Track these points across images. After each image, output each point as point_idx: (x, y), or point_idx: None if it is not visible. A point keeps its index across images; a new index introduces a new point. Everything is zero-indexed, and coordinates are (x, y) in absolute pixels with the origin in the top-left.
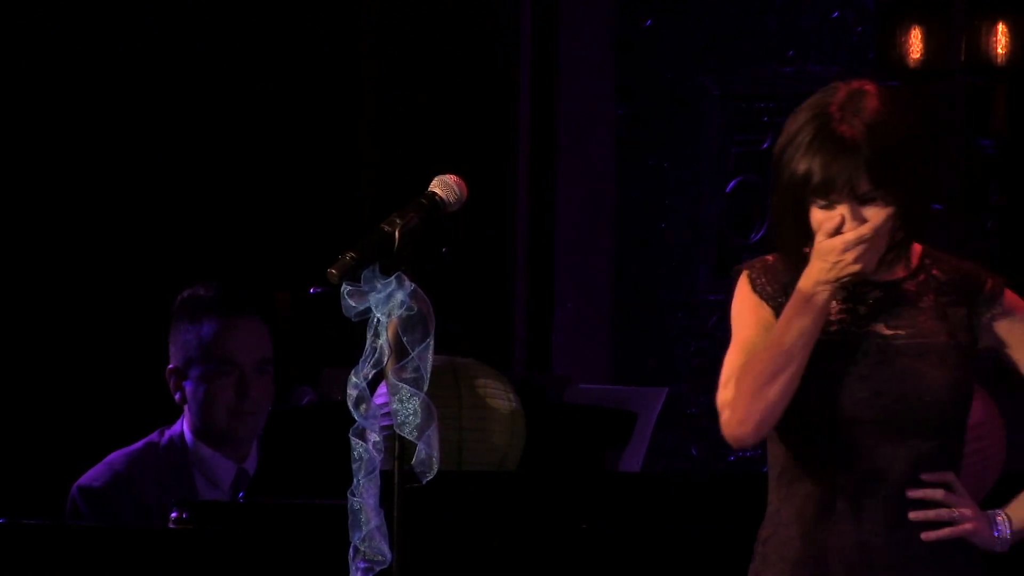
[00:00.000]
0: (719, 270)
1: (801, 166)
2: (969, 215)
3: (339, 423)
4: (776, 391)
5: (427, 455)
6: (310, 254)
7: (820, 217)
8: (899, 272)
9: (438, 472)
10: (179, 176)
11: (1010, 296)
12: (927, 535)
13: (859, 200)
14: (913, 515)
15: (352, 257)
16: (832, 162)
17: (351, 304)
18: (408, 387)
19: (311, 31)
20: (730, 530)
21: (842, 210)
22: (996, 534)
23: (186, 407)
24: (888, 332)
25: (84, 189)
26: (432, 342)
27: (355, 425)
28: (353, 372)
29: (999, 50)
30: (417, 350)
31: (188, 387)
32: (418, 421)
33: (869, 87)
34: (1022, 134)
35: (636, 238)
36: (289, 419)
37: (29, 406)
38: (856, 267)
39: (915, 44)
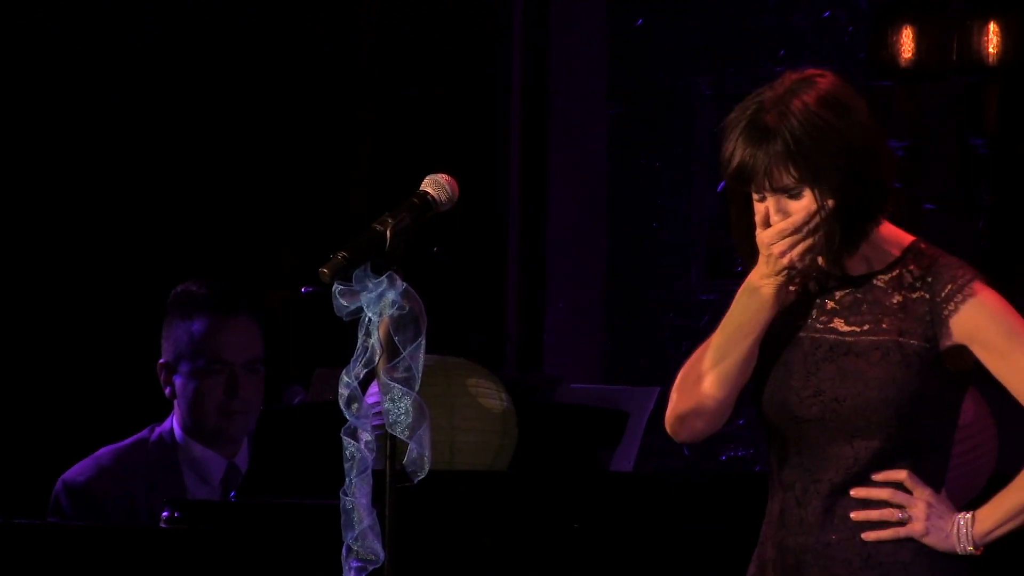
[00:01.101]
0: (711, 270)
1: (726, 151)
2: (961, 215)
3: (331, 423)
4: (707, 385)
5: (419, 454)
6: (303, 254)
7: (757, 208)
8: (874, 267)
9: (430, 472)
10: (174, 175)
11: (980, 290)
12: (867, 535)
13: (783, 192)
14: (855, 515)
15: (344, 256)
16: (749, 151)
17: (343, 303)
18: (400, 386)
19: (308, 33)
20: (722, 530)
21: (769, 202)
22: (957, 536)
23: (176, 402)
24: (845, 329)
25: (78, 188)
26: (424, 342)
27: (347, 424)
28: (345, 371)
29: (991, 50)
30: (408, 349)
31: (178, 382)
32: (410, 420)
33: (820, 79)
34: (1014, 134)
35: (628, 238)
36: (281, 419)
37: (24, 404)
38: (784, 261)
39: (907, 44)
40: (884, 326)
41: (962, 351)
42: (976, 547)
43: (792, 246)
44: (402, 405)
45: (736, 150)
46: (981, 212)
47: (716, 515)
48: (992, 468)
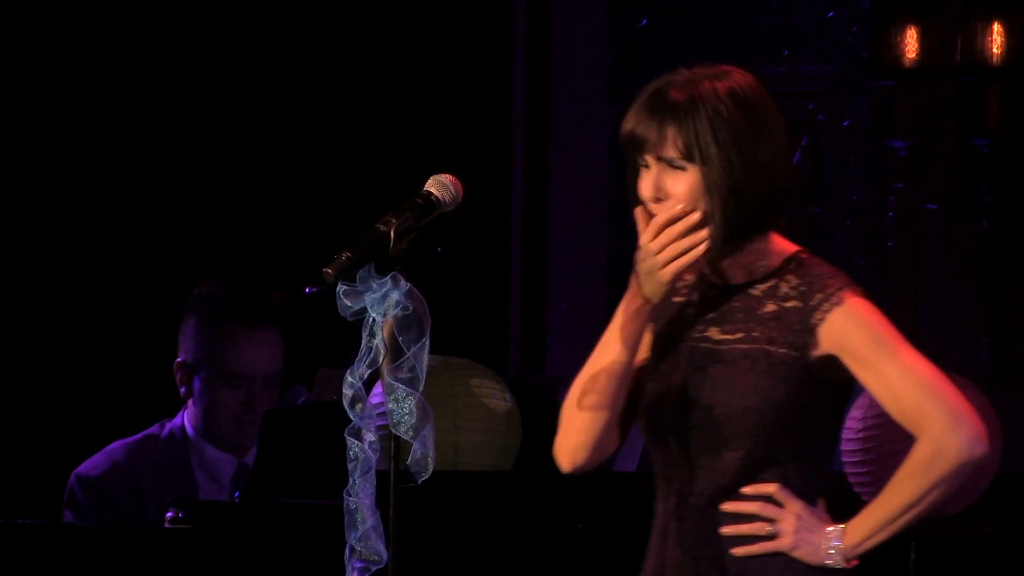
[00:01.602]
0: None
1: (625, 118)
2: (963, 215)
3: (335, 423)
4: (584, 413)
5: (423, 455)
6: (304, 253)
7: (642, 181)
8: (753, 276)
9: (434, 472)
10: (174, 175)
11: (848, 299)
12: (737, 550)
13: (668, 164)
14: (725, 530)
15: (348, 257)
16: (644, 116)
17: (347, 304)
18: (404, 387)
19: (309, 33)
20: None
21: (652, 171)
22: (827, 549)
23: (191, 401)
24: (719, 337)
25: (79, 188)
26: (428, 342)
27: (351, 425)
28: (349, 372)
29: (994, 50)
30: (413, 350)
31: (196, 385)
32: (414, 421)
33: (739, 75)
34: (1016, 134)
35: (630, 237)
36: (285, 419)
37: (30, 402)
38: (666, 273)
39: (910, 44)
40: (755, 335)
41: (835, 361)
42: (847, 560)
43: (674, 255)
44: (406, 405)
45: (632, 116)
46: (983, 212)
47: None
48: (994, 470)
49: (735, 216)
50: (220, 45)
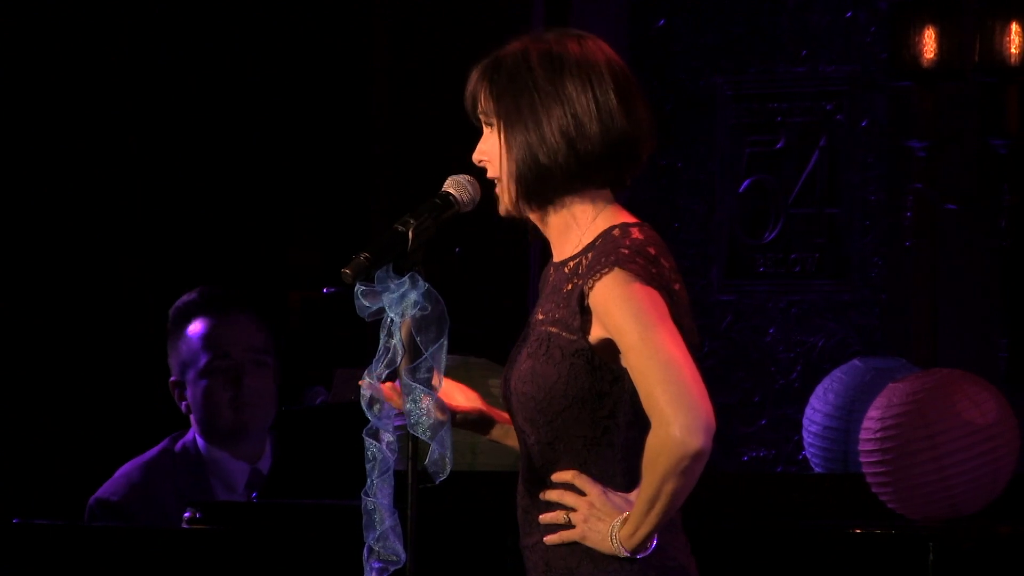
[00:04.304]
0: (732, 271)
1: None
2: (982, 215)
3: (352, 423)
4: None
5: (441, 455)
6: (323, 254)
7: None
8: (572, 252)
9: (452, 472)
10: (194, 181)
11: (616, 275)
12: (546, 539)
13: (484, 117)
14: (543, 518)
15: (366, 257)
16: (472, 75)
17: (365, 304)
18: (421, 387)
19: (323, 34)
20: (736, 530)
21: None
22: (611, 538)
23: (192, 415)
24: (538, 318)
25: (101, 196)
26: (446, 342)
27: (368, 425)
28: (366, 372)
29: (1013, 50)
30: (431, 350)
31: (189, 392)
32: (431, 421)
33: (571, 42)
34: None
35: None
36: (302, 419)
37: (44, 413)
38: None
39: (928, 44)
40: (549, 315)
41: (613, 345)
42: (632, 551)
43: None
44: (424, 406)
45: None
46: (1002, 212)
47: (734, 515)
48: (1012, 470)
49: (530, 177)
50: (240, 50)
